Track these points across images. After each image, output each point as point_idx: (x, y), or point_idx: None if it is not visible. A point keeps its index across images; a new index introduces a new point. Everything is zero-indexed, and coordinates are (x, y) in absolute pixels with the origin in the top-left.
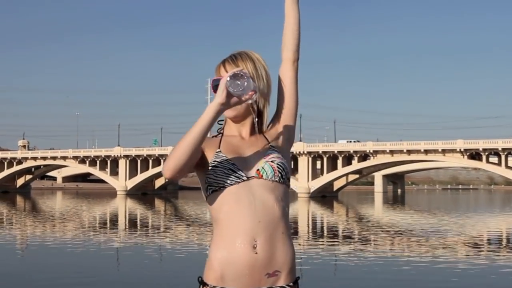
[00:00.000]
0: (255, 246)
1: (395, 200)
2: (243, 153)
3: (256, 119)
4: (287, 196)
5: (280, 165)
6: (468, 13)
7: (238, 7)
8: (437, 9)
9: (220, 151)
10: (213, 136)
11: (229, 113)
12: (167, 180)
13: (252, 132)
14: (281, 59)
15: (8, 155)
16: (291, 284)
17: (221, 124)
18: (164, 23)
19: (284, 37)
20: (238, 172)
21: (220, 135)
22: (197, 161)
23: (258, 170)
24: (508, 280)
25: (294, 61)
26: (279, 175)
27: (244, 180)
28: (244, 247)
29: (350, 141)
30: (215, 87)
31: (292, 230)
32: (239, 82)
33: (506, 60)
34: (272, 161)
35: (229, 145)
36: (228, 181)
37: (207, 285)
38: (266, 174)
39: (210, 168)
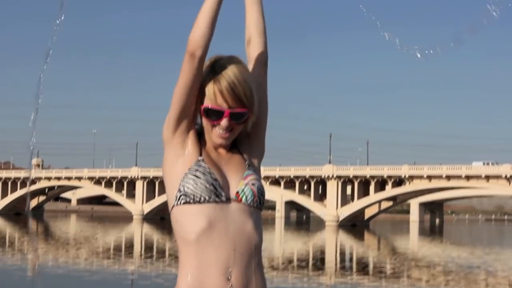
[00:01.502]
0: (229, 277)
1: (433, 231)
2: (221, 169)
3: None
4: (261, 222)
5: (259, 189)
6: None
7: None
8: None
9: (203, 160)
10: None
11: (221, 138)
12: (198, 54)
13: (229, 148)
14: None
15: (21, 174)
16: None
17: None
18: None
19: (249, 32)
20: (219, 191)
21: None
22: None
23: (237, 192)
24: None
25: (264, 62)
26: (258, 200)
27: (223, 201)
28: (217, 278)
29: (488, 163)
30: (208, 113)
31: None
32: None
33: None
34: (252, 184)
35: (209, 157)
36: (207, 197)
37: None
38: (246, 198)
39: (189, 175)
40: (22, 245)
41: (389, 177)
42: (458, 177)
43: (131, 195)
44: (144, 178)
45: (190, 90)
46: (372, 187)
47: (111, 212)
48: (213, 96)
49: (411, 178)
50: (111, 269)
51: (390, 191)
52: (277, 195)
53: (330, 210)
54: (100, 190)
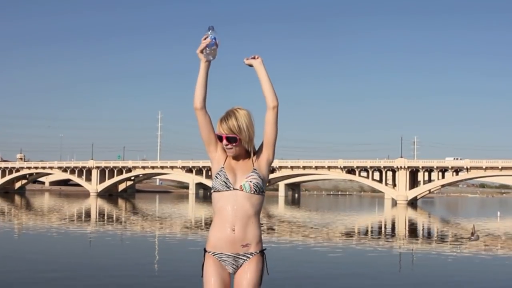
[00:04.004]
0: (233, 229)
1: (294, 202)
2: (235, 172)
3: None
4: (261, 201)
5: (255, 184)
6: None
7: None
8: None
9: (223, 167)
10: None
11: (228, 151)
12: (198, 107)
13: (245, 157)
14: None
15: (9, 165)
16: (258, 251)
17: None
18: (123, 58)
19: (264, 93)
20: (229, 184)
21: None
22: (211, 141)
23: (241, 185)
24: (369, 257)
25: (272, 108)
26: (254, 190)
27: (231, 190)
28: (227, 230)
29: (457, 158)
30: (219, 138)
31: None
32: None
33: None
34: (250, 181)
35: (229, 165)
36: (221, 188)
37: (207, 251)
38: (245, 189)
39: (214, 176)
40: (10, 213)
41: None
42: (310, 167)
43: (88, 179)
44: (97, 167)
45: (204, 127)
46: None
47: (74, 191)
48: (218, 128)
49: (280, 168)
50: (75, 229)
51: None
52: (190, 179)
53: None
54: (66, 176)
